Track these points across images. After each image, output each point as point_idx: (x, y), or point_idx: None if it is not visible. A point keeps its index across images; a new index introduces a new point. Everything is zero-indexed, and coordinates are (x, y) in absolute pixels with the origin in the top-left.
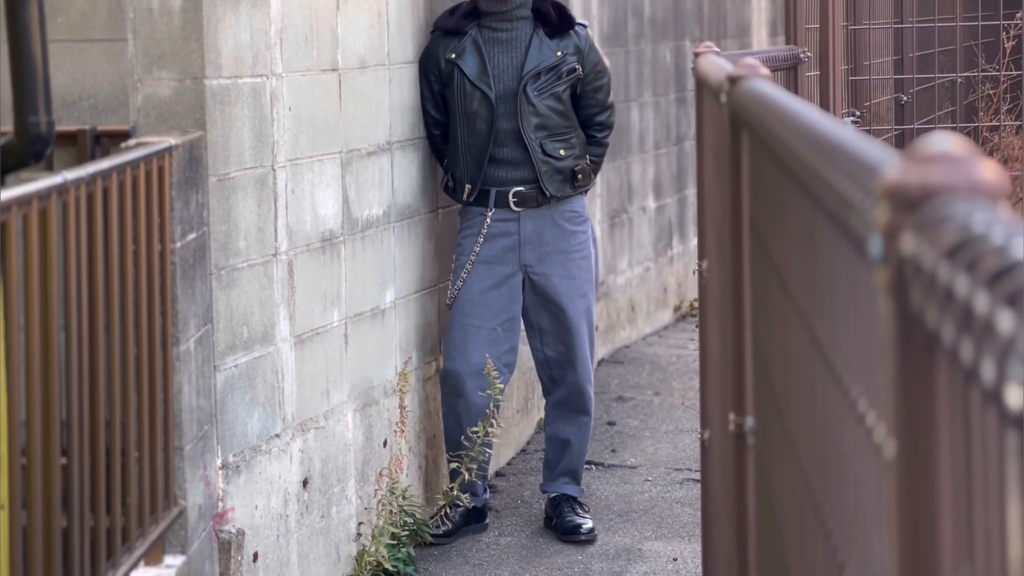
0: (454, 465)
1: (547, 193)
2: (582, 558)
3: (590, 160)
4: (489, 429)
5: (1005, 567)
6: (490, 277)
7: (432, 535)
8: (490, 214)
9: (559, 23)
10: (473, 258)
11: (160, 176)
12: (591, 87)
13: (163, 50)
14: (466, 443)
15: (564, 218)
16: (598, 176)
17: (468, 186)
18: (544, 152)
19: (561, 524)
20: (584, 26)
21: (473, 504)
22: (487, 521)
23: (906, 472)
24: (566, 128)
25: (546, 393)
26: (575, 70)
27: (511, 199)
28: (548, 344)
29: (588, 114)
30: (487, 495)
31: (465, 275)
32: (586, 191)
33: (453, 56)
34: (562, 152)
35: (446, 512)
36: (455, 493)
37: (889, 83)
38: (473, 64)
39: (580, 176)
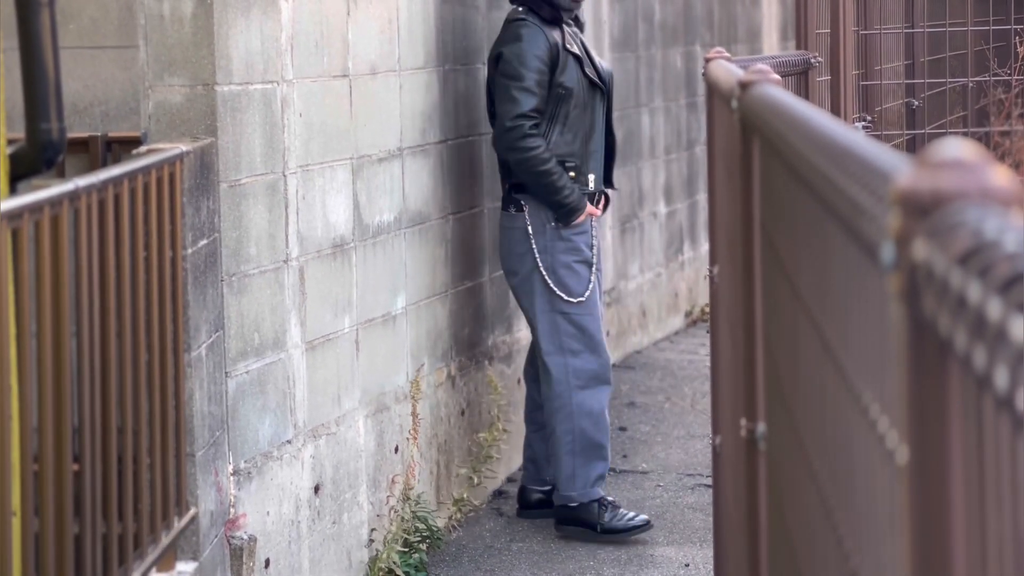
0: (463, 470)
1: (614, 186)
2: (593, 563)
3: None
4: (496, 434)
5: (1019, 574)
6: (598, 274)
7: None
8: (595, 222)
9: (581, 27)
10: (595, 260)
11: (171, 183)
12: None
13: (174, 57)
14: (474, 449)
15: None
16: None
17: (592, 175)
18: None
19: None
20: None
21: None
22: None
23: (918, 478)
24: None
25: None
26: None
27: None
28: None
29: None
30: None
31: (594, 276)
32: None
33: (570, 46)
34: None
35: (457, 518)
36: (469, 499)
37: (900, 88)
38: (583, 56)
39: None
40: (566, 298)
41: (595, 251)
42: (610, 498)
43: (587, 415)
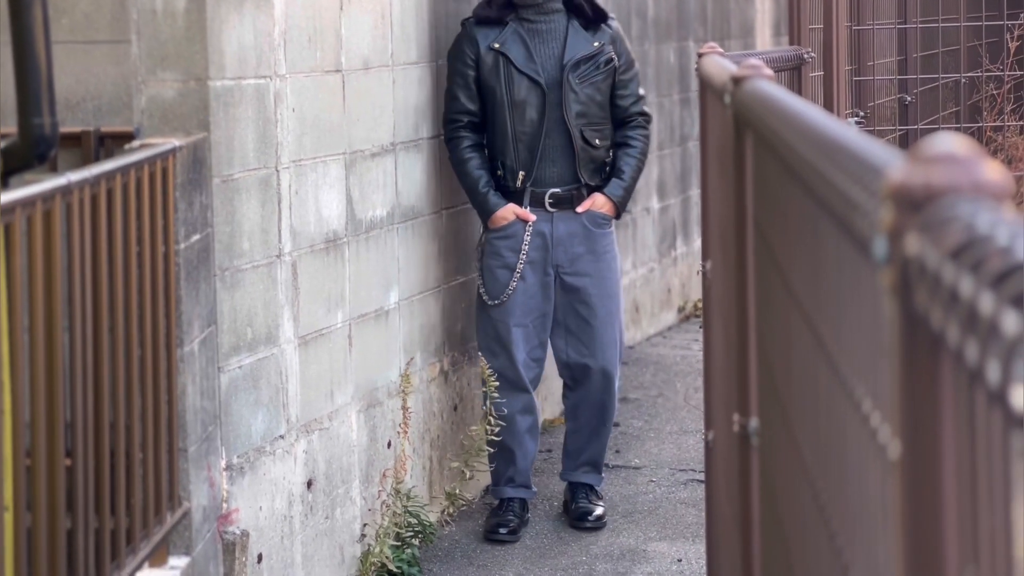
0: (455, 464)
1: (581, 181)
2: (586, 559)
3: (631, 158)
4: (487, 428)
5: (1010, 568)
6: (529, 278)
7: (497, 538)
8: (530, 226)
9: (593, 16)
10: (520, 266)
11: (164, 177)
12: (625, 76)
13: (167, 51)
14: (466, 443)
15: (593, 222)
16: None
17: (522, 172)
18: (584, 139)
19: (576, 510)
20: (613, 18)
21: (521, 496)
22: (527, 515)
23: (911, 473)
24: (602, 119)
25: (568, 390)
26: (612, 60)
27: (547, 200)
28: (572, 346)
29: (625, 104)
30: (534, 490)
31: (515, 283)
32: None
33: (497, 45)
34: (597, 141)
35: (449, 512)
36: (457, 491)
37: (893, 83)
38: (519, 52)
39: (608, 168)
40: (485, 299)
41: (525, 257)
42: (516, 504)
43: (500, 416)
